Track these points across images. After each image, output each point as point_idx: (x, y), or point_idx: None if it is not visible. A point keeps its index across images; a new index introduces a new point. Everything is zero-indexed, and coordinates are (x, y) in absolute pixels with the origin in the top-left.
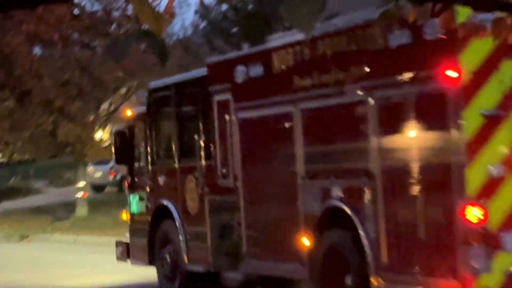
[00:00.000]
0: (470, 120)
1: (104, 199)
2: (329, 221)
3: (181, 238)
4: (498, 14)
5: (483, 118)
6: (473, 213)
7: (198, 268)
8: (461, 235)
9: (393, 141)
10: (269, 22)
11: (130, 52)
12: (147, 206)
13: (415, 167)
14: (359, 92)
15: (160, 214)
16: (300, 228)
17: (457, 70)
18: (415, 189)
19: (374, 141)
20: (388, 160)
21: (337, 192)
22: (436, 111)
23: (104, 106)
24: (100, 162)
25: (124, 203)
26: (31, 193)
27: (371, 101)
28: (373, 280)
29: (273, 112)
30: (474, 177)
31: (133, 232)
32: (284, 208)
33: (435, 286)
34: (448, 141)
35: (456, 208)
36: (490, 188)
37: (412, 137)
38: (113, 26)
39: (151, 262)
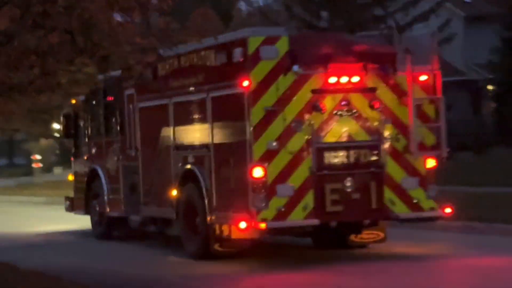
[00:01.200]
0: (257, 113)
1: None
2: (187, 178)
3: (105, 193)
4: None
5: (265, 112)
6: (257, 172)
7: (115, 214)
8: (250, 186)
9: (218, 125)
10: None
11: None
12: (84, 169)
13: (227, 143)
14: (202, 92)
15: (92, 175)
16: (172, 183)
17: (249, 80)
18: (229, 157)
19: (209, 125)
20: (216, 138)
21: (191, 159)
22: (237, 107)
23: None
24: None
25: None
26: None
27: (208, 99)
28: (208, 218)
29: (158, 103)
30: (258, 149)
31: (75, 189)
32: (163, 170)
33: (236, 219)
34: (243, 126)
35: (248, 169)
36: (268, 156)
37: (227, 123)
38: None
39: (87, 212)
